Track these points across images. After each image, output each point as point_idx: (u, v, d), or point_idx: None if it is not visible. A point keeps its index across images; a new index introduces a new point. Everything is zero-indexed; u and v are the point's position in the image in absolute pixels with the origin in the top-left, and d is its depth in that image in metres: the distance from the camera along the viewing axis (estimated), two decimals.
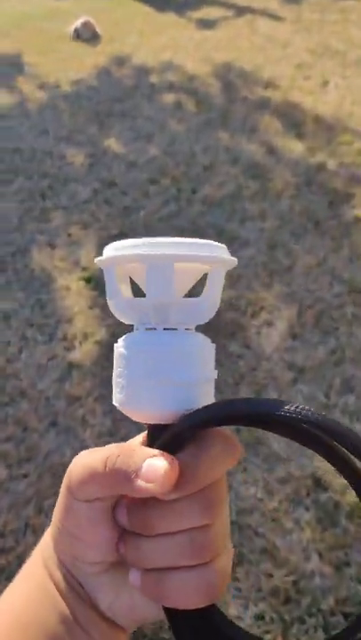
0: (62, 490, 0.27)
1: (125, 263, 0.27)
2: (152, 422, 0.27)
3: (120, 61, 3.67)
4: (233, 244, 1.96)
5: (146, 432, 0.28)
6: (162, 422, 0.26)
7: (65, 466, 0.27)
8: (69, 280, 1.83)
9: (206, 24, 4.33)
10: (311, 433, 0.25)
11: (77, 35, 4.13)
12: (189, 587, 0.25)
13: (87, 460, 0.26)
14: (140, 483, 0.24)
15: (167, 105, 3.02)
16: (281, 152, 2.52)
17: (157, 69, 3.50)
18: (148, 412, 0.26)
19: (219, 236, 1.99)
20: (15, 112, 3.04)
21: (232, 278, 1.80)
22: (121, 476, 0.25)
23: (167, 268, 0.25)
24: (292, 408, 0.24)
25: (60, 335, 1.62)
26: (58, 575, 0.28)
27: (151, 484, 0.24)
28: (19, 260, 1.93)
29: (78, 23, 4.13)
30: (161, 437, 0.26)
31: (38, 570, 0.28)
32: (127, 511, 0.26)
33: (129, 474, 0.24)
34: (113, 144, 2.65)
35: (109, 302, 0.28)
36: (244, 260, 1.88)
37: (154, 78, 3.38)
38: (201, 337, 0.27)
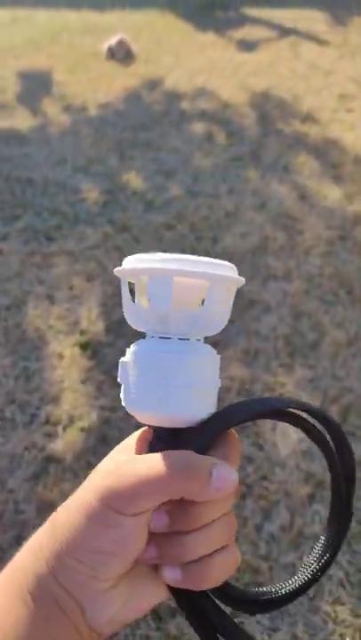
0: (87, 510, 0.27)
1: (135, 275, 0.30)
2: (158, 425, 0.29)
3: (152, 84, 3.48)
4: (253, 308, 1.73)
5: (139, 432, 0.31)
6: (169, 426, 0.29)
7: None
8: (64, 345, 1.62)
9: (247, 46, 4.12)
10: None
11: (111, 54, 3.98)
12: (229, 563, 0.28)
13: (136, 470, 0.27)
14: (212, 490, 0.26)
15: (196, 135, 2.81)
16: (315, 198, 2.27)
17: (190, 95, 3.30)
18: (156, 415, 0.29)
19: (237, 297, 1.76)
20: (35, 137, 2.89)
21: (248, 354, 1.57)
22: (193, 483, 0.26)
23: (166, 280, 0.28)
24: (293, 402, 0.30)
25: (43, 417, 1.41)
26: (40, 594, 0.27)
27: (222, 491, 0.26)
28: (12, 315, 1.74)
29: (113, 41, 3.98)
30: (194, 440, 0.28)
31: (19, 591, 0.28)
32: (169, 514, 0.27)
33: (203, 481, 0.26)
34: (132, 179, 2.45)
35: (124, 311, 0.31)
36: (264, 330, 1.65)
37: (185, 104, 3.18)
38: (208, 348, 0.30)
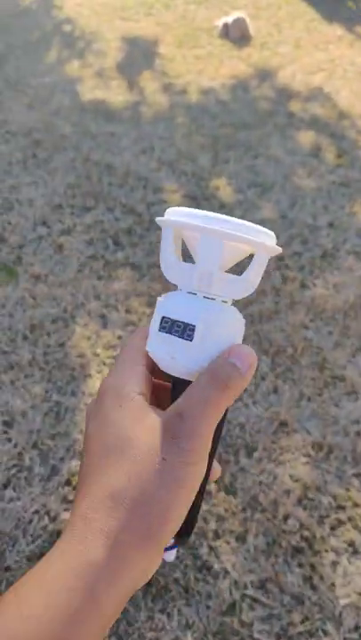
0: (182, 478, 0.26)
1: (183, 229, 0.30)
2: (178, 376, 0.30)
3: (263, 75, 3.13)
4: (334, 386, 1.43)
5: (137, 332, 0.32)
6: (187, 378, 0.30)
7: None
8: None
9: None
10: None
11: (226, 32, 3.63)
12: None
13: (197, 418, 0.27)
14: (247, 378, 0.28)
15: (301, 146, 2.47)
16: None
17: (303, 95, 2.93)
18: (177, 366, 0.29)
19: (315, 368, 1.47)
20: (126, 115, 2.63)
21: (319, 449, 1.29)
22: (232, 389, 0.28)
23: (217, 242, 0.29)
24: None
25: (65, 474, 1.19)
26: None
27: (251, 371, 0.28)
28: (57, 330, 1.53)
29: (230, 19, 3.62)
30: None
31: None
32: None
33: (237, 381, 0.28)
34: (222, 187, 2.16)
35: (161, 260, 0.31)
36: (343, 419, 1.35)
37: (295, 106, 2.82)
38: (235, 309, 0.30)
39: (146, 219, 1.94)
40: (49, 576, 0.24)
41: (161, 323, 0.30)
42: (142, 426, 0.27)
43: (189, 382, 0.29)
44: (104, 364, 1.45)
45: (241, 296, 0.30)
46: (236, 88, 2.97)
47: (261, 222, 1.94)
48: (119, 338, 1.52)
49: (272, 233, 0.30)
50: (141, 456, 0.26)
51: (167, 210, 0.31)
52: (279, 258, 1.81)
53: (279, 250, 0.31)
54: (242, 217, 2.11)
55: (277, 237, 1.77)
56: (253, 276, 0.30)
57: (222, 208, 2.02)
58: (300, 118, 2.70)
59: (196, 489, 0.27)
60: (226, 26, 3.63)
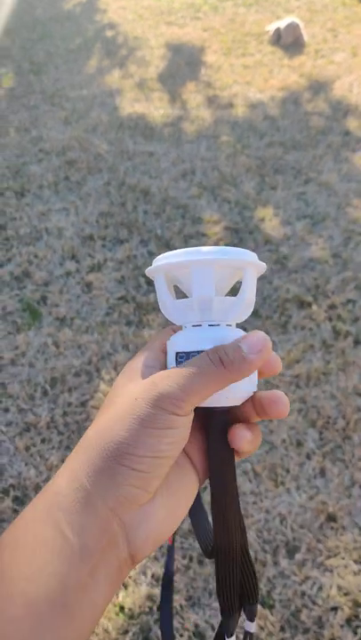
0: (141, 416, 0.26)
1: (173, 270, 0.31)
2: (204, 405, 0.30)
3: (317, 87, 2.90)
4: None
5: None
6: (208, 405, 0.30)
7: None
8: None
9: None
10: None
11: (277, 38, 3.41)
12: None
13: (184, 373, 0.27)
14: (253, 361, 0.28)
15: (358, 171, 2.24)
16: None
17: (360, 111, 2.69)
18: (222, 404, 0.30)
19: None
20: (166, 132, 2.46)
21: None
22: (233, 369, 0.28)
23: (209, 269, 0.30)
24: None
25: None
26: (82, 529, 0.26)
27: (260, 355, 0.28)
28: (79, 386, 1.38)
29: (283, 24, 3.40)
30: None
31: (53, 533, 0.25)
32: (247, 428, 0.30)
33: (239, 361, 0.28)
34: (268, 218, 1.97)
35: (161, 306, 0.32)
36: None
37: (353, 123, 2.59)
38: (241, 331, 0.31)
39: None
40: (28, 510, 0.26)
41: (176, 358, 0.30)
42: (136, 382, 0.29)
43: (209, 409, 0.30)
44: None
45: (242, 318, 0.31)
46: (287, 101, 2.76)
47: (310, 262, 1.74)
48: None
49: (253, 253, 0.31)
50: (121, 400, 0.28)
51: (155, 259, 0.32)
52: (330, 306, 1.61)
53: (264, 265, 0.31)
54: (286, 257, 1.91)
55: (328, 280, 1.56)
56: (249, 294, 0.30)
57: (267, 244, 1.84)
58: (357, 138, 2.46)
59: (166, 439, 0.26)
60: (278, 31, 3.41)
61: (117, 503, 0.25)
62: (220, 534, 0.30)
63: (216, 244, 1.84)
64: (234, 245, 1.83)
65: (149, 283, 1.68)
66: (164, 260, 0.31)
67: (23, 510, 0.26)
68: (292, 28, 3.38)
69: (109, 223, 1.89)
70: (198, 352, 0.29)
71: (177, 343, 0.30)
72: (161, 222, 1.91)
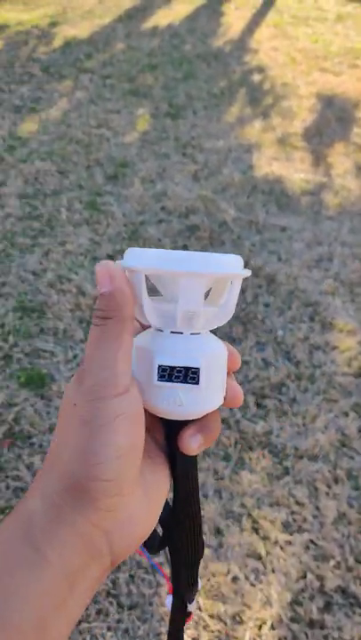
0: (90, 415, 0.26)
1: (156, 273, 0.29)
2: (183, 419, 0.29)
3: None
4: None
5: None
6: (194, 418, 0.29)
7: None
8: None
9: None
10: None
11: None
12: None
13: (88, 353, 0.27)
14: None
15: None
16: None
17: None
18: (183, 412, 0.29)
19: None
20: (305, 203, 2.15)
21: None
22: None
23: (199, 283, 0.28)
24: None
25: None
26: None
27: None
28: None
29: None
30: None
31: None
32: (200, 431, 0.30)
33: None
34: None
35: (138, 307, 0.29)
36: None
37: None
38: (213, 335, 0.30)
39: (305, 373, 1.45)
40: (1, 531, 0.26)
41: (158, 372, 0.28)
42: (71, 385, 0.28)
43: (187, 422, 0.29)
44: None
45: (222, 323, 0.30)
46: None
47: None
48: None
49: (239, 257, 0.29)
50: (63, 410, 0.27)
51: (127, 250, 0.29)
52: None
53: (249, 272, 0.30)
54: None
55: None
56: (232, 303, 0.30)
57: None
58: None
59: (110, 428, 0.25)
60: None
61: (99, 517, 0.25)
62: (181, 513, 0.31)
63: (348, 364, 1.49)
64: None
65: (258, 405, 1.38)
66: (148, 261, 0.28)
67: None
68: None
69: None
70: (184, 368, 0.28)
71: (158, 353, 0.28)
72: (283, 322, 1.60)
